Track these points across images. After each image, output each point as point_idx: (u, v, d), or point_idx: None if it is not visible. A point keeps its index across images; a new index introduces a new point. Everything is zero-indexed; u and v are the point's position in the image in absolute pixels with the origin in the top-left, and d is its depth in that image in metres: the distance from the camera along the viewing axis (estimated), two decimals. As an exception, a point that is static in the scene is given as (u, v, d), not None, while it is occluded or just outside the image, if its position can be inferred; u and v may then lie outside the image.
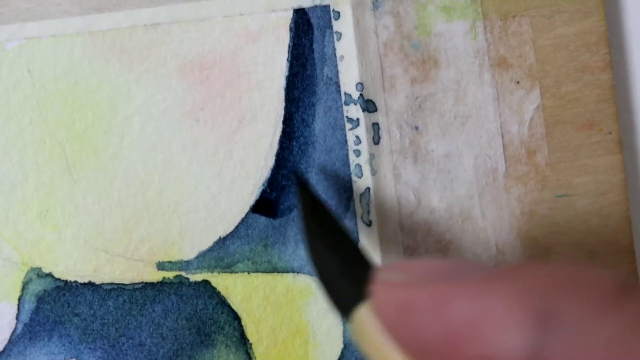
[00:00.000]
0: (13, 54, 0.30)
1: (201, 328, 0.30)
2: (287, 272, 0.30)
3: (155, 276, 0.30)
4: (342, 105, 0.30)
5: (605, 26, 0.30)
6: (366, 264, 0.25)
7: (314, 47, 0.30)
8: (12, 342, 0.30)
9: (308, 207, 0.28)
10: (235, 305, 0.30)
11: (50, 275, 0.30)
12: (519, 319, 0.19)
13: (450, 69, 0.30)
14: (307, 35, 0.30)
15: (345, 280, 0.25)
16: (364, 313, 0.23)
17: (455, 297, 0.20)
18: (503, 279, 0.20)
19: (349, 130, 0.30)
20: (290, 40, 0.30)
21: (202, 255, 0.30)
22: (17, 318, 0.30)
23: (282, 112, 0.30)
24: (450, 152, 0.30)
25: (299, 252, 0.30)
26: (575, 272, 0.19)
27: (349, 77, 0.30)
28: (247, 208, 0.30)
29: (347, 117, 0.30)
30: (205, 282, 0.30)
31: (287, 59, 0.30)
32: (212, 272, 0.30)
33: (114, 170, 0.30)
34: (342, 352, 0.30)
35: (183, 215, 0.30)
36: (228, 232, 0.30)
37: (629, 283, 0.19)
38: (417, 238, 0.30)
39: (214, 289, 0.30)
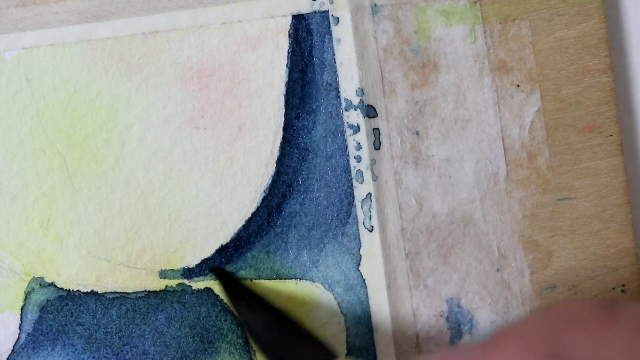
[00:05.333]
0: (12, 63, 0.30)
1: (204, 336, 0.30)
2: (290, 278, 0.30)
3: (158, 284, 0.30)
4: (342, 111, 0.30)
5: (605, 28, 0.30)
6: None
7: (313, 53, 0.30)
8: (15, 352, 0.30)
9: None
10: (238, 313, 0.30)
11: (52, 284, 0.30)
12: None
13: (450, 73, 0.30)
14: (306, 41, 0.30)
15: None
16: None
17: None
18: (503, 339, 0.20)
19: (350, 136, 0.30)
20: (290, 47, 0.30)
21: (204, 263, 0.30)
22: (20, 328, 0.30)
23: (282, 119, 0.30)
24: (451, 156, 0.30)
25: (301, 259, 0.30)
26: (565, 309, 0.20)
27: (348, 82, 0.30)
28: (248, 215, 0.30)
29: (347, 122, 0.30)
30: (208, 290, 0.30)
31: (287, 65, 0.30)
32: (214, 279, 0.30)
33: (115, 179, 0.30)
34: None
35: (184, 223, 0.30)
36: (230, 239, 0.30)
37: (614, 302, 0.20)
38: (419, 243, 0.30)
39: (216, 296, 0.30)
